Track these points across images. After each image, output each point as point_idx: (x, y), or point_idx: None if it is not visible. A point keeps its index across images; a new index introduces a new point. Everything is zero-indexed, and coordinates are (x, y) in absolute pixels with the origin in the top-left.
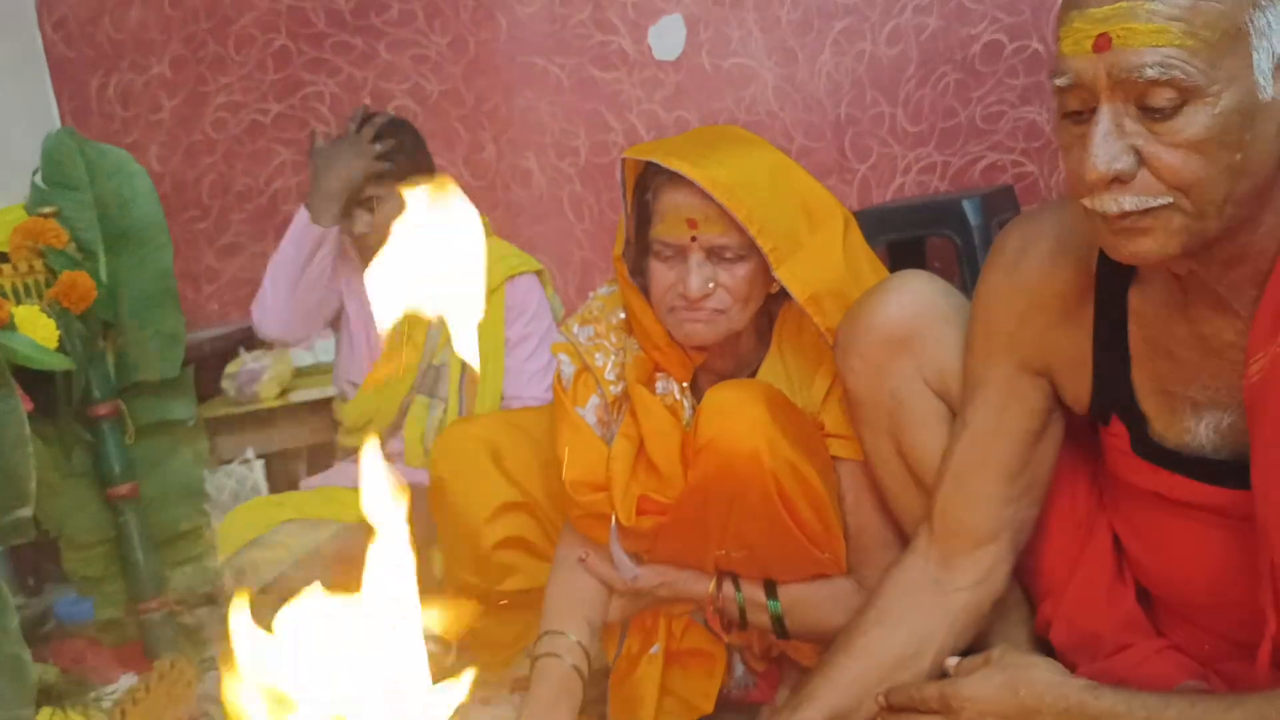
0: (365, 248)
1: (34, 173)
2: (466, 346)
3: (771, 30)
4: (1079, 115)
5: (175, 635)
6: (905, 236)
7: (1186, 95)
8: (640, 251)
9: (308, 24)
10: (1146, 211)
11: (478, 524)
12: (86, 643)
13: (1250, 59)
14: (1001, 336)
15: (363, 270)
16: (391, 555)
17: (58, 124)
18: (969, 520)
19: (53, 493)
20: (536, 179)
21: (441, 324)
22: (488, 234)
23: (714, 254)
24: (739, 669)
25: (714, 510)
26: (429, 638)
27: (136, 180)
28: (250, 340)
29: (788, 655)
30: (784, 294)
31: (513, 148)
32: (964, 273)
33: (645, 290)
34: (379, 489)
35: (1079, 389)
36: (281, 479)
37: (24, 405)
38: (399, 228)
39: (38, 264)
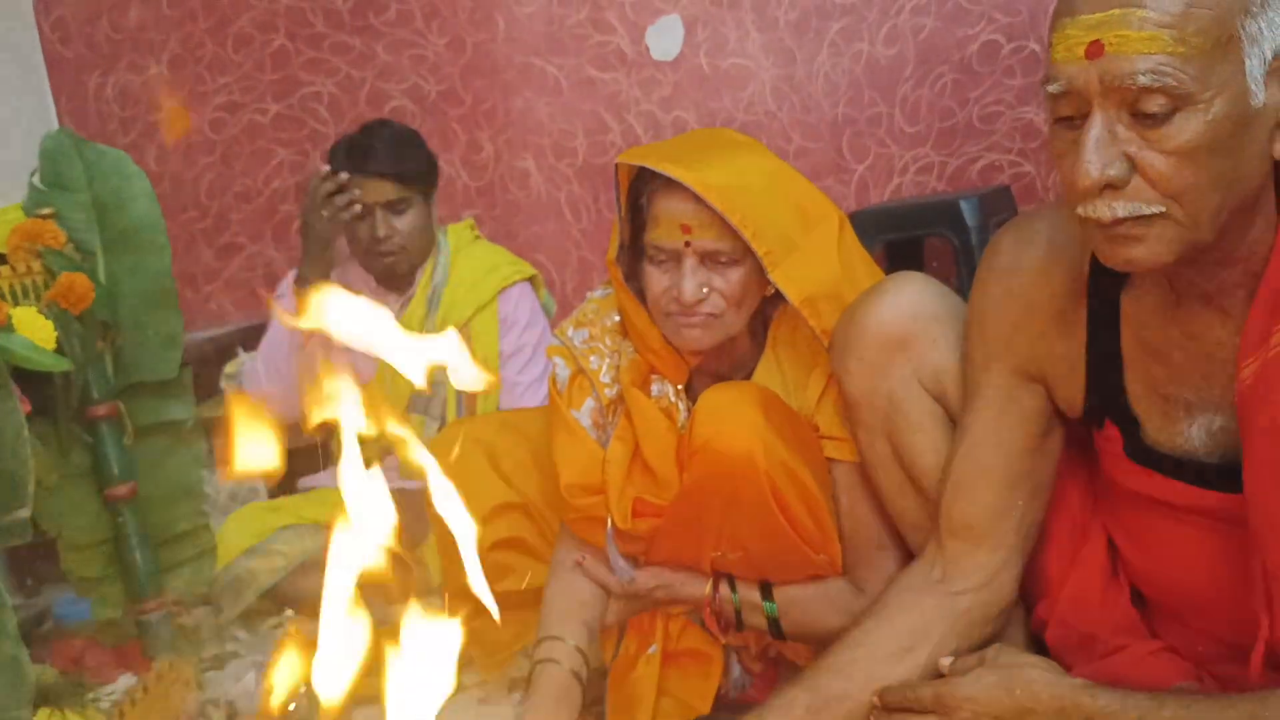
0: (375, 254)
1: (32, 174)
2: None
3: (769, 31)
4: (1071, 121)
5: (173, 636)
6: (903, 237)
7: (1178, 102)
8: (635, 255)
9: (306, 24)
10: (1140, 219)
11: (474, 524)
12: (84, 643)
13: (1242, 65)
14: (997, 343)
15: (366, 287)
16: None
17: (55, 124)
18: (973, 526)
19: (51, 493)
20: (534, 179)
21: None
22: (475, 239)
23: (708, 259)
24: (736, 669)
25: (709, 512)
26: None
27: (134, 181)
28: (249, 340)
29: (784, 656)
30: (779, 296)
31: (510, 148)
32: (961, 273)
33: (640, 294)
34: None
35: (1072, 393)
36: (280, 480)
37: (23, 406)
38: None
39: (36, 265)
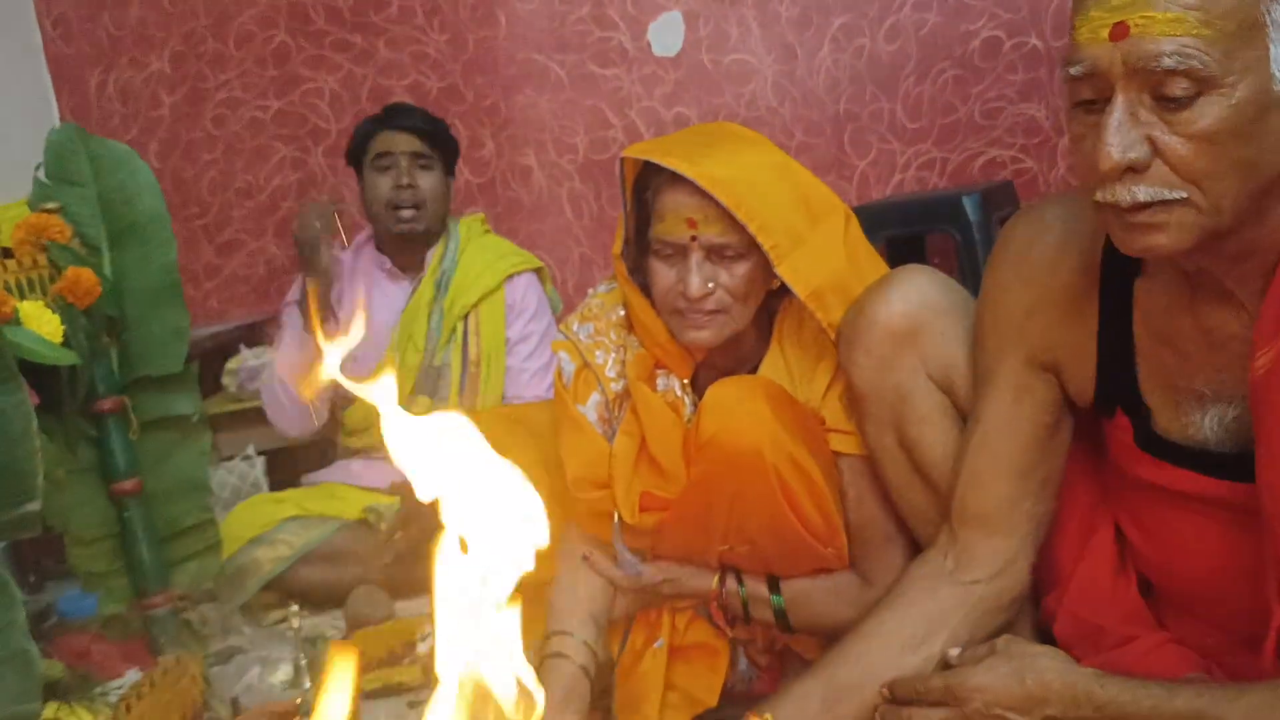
0: (394, 208)
1: (37, 168)
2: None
3: (770, 26)
4: (1092, 104)
5: (180, 631)
6: (905, 232)
7: (1202, 86)
8: (640, 250)
9: (307, 21)
10: (1160, 206)
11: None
12: (91, 638)
13: (1267, 51)
14: (1010, 331)
15: (380, 267)
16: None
17: (57, 121)
18: (986, 515)
19: (57, 488)
20: (536, 176)
21: (440, 325)
22: (485, 232)
23: (714, 253)
24: (743, 663)
25: (717, 506)
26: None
27: (140, 175)
28: (251, 336)
29: (791, 649)
30: (784, 290)
31: (512, 145)
32: (963, 268)
33: (645, 288)
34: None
35: (1083, 381)
36: (282, 475)
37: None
38: None
39: (41, 259)
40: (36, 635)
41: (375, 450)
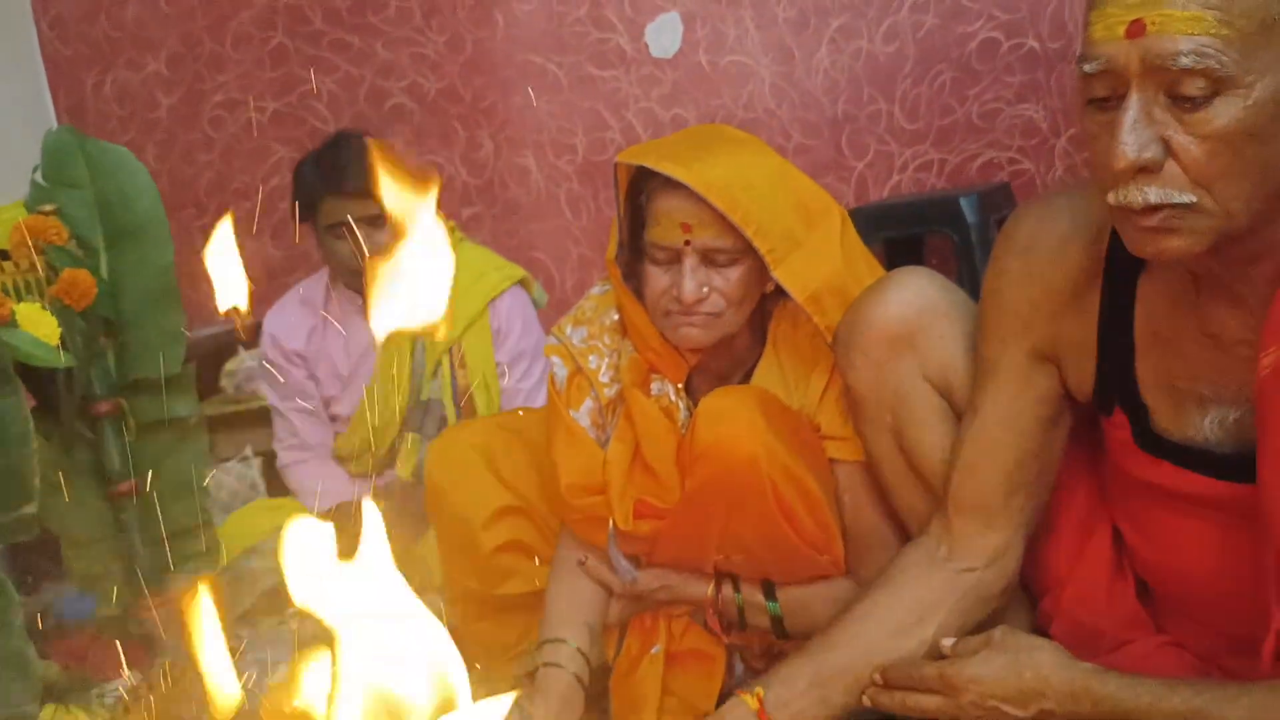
0: (357, 274)
1: (34, 170)
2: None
3: (768, 28)
4: (1105, 103)
5: (177, 633)
6: (902, 234)
7: (1219, 86)
8: (634, 254)
9: (305, 22)
10: (1173, 210)
11: (475, 529)
12: (89, 640)
13: None
14: (1014, 322)
15: (353, 304)
16: None
17: (54, 122)
18: (981, 506)
19: (54, 490)
20: (534, 177)
21: (424, 359)
22: (461, 244)
23: (708, 257)
24: (739, 669)
25: (712, 516)
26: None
27: (138, 177)
28: (249, 338)
29: (787, 654)
30: (778, 293)
31: (510, 146)
32: (961, 270)
33: (639, 292)
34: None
35: (1082, 376)
36: (279, 477)
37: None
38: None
39: (39, 261)
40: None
41: (368, 476)
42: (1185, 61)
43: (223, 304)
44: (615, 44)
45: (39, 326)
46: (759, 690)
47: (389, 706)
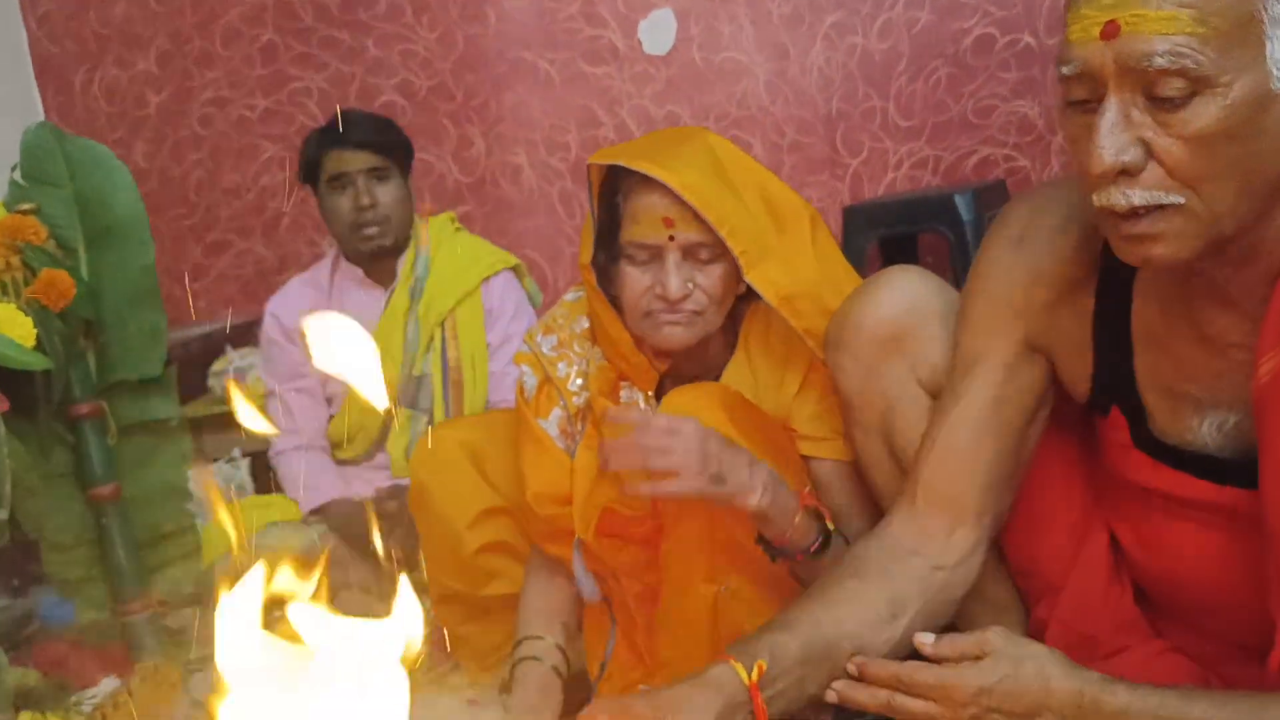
0: (358, 227)
1: (12, 168)
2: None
3: (763, 25)
4: (1085, 105)
5: (159, 638)
6: (897, 232)
7: (1197, 85)
8: (609, 258)
9: (295, 19)
10: (1159, 212)
11: (460, 529)
12: (67, 646)
13: (1263, 48)
14: (1005, 310)
15: (353, 278)
16: None
17: (42, 120)
18: (954, 496)
19: (31, 494)
20: (526, 175)
21: (418, 334)
22: (457, 231)
23: (690, 254)
24: None
25: (693, 528)
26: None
27: (117, 175)
28: (237, 337)
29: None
30: (748, 296)
31: (502, 143)
32: (956, 268)
33: (613, 298)
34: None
35: (1079, 374)
36: (268, 477)
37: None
38: None
39: (15, 261)
40: (17, 642)
41: (360, 461)
42: (1161, 62)
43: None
44: (608, 40)
45: (14, 328)
46: (761, 663)
47: None
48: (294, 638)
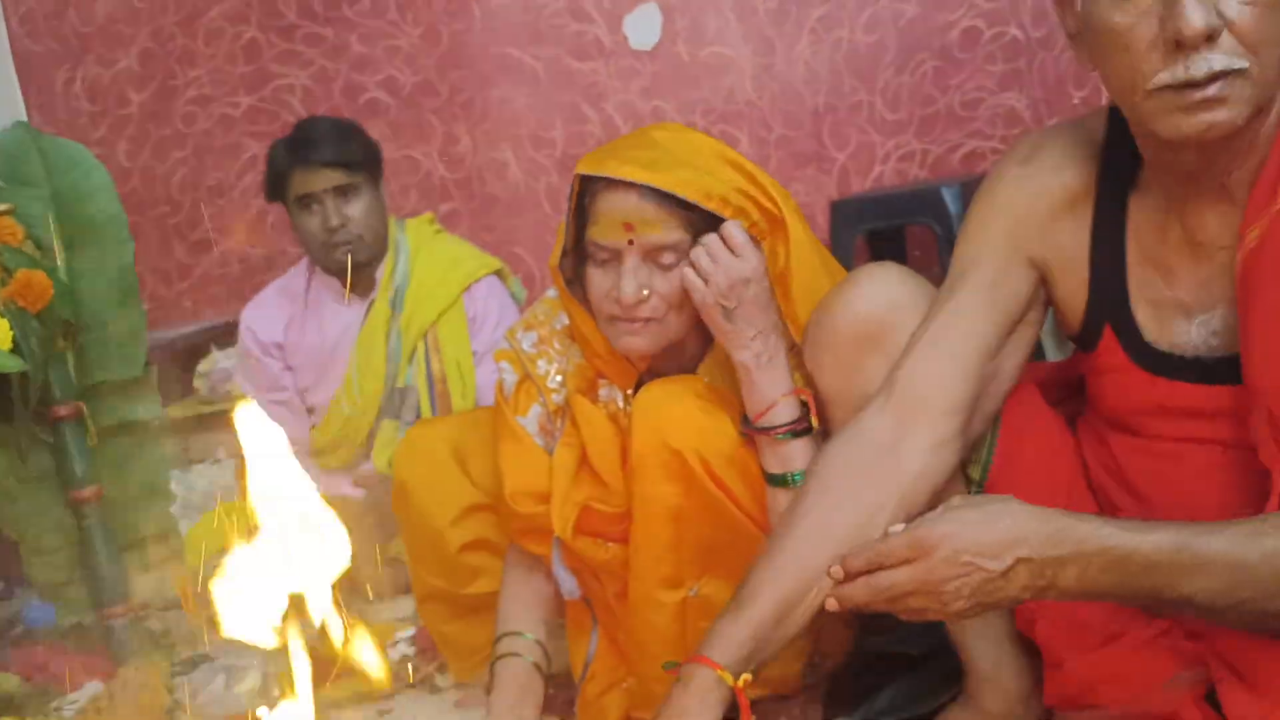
0: (329, 247)
1: None
2: None
3: (748, 19)
4: None
5: (141, 641)
6: (885, 225)
7: None
8: (579, 258)
9: (278, 16)
10: (1226, 79)
11: (443, 527)
12: (48, 650)
13: None
14: (1005, 220)
15: (330, 290)
16: None
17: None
18: (935, 385)
19: (10, 497)
20: (513, 171)
21: (400, 345)
22: (436, 233)
23: (651, 257)
24: None
25: (662, 526)
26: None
27: (94, 174)
28: (223, 337)
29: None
30: None
31: (488, 140)
32: (944, 261)
33: (585, 299)
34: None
35: (1075, 291)
36: None
37: None
38: None
39: None
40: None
41: (344, 468)
42: None
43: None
44: (593, 36)
45: None
46: (747, 677)
47: None
48: None
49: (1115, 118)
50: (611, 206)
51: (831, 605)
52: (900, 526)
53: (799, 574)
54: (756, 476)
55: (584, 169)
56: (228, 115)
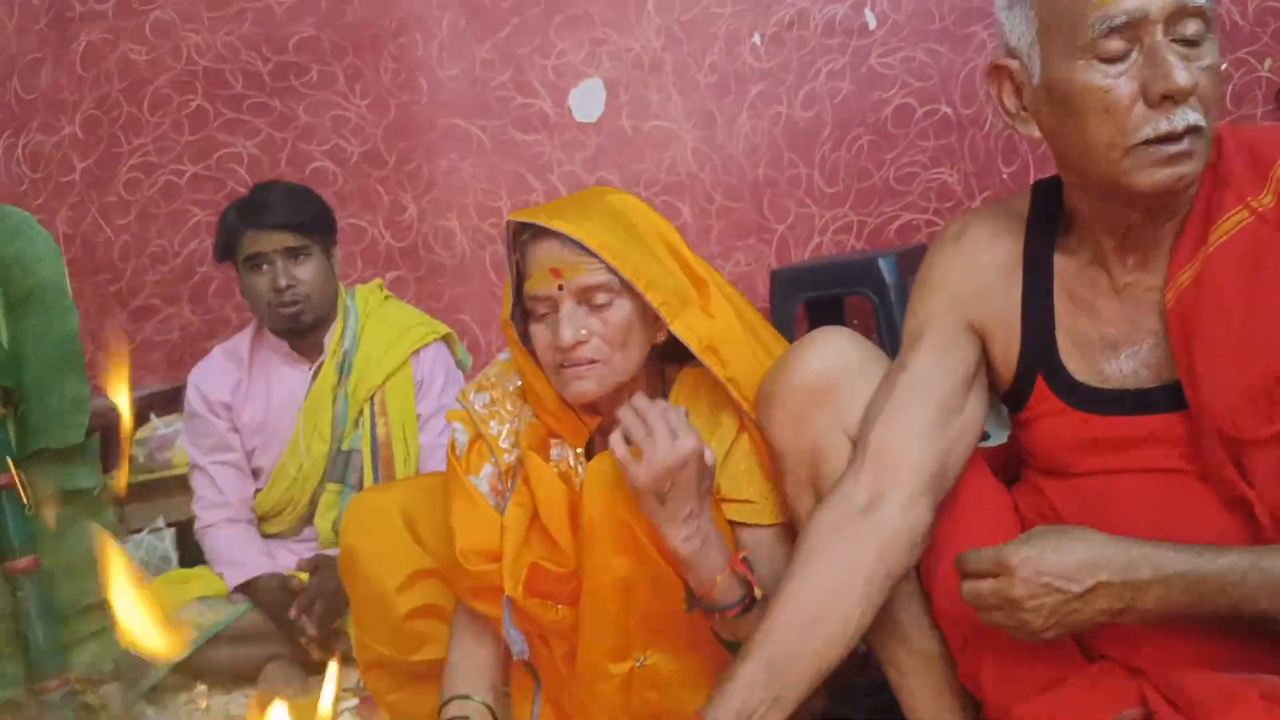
0: (277, 308)
1: None
2: None
3: (690, 94)
4: (1116, 61)
5: (76, 715)
6: (823, 295)
7: (1208, 27)
8: (525, 315)
9: (225, 85)
10: (1194, 133)
11: (389, 591)
12: None
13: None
14: (944, 293)
15: (277, 353)
16: None
17: None
18: (903, 446)
19: None
20: (459, 239)
21: (346, 409)
22: (385, 299)
23: (584, 299)
24: None
25: (612, 597)
26: None
27: (38, 242)
28: (162, 405)
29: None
30: (677, 359)
31: (435, 208)
32: (881, 329)
33: (535, 355)
34: None
35: (1008, 348)
36: (193, 548)
37: None
38: None
39: None
40: None
41: (288, 535)
42: (1199, 1)
43: None
44: (539, 108)
45: None
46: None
47: None
48: None
49: (1038, 195)
50: (539, 256)
51: (967, 598)
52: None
53: (787, 634)
54: None
55: (514, 217)
56: (172, 183)
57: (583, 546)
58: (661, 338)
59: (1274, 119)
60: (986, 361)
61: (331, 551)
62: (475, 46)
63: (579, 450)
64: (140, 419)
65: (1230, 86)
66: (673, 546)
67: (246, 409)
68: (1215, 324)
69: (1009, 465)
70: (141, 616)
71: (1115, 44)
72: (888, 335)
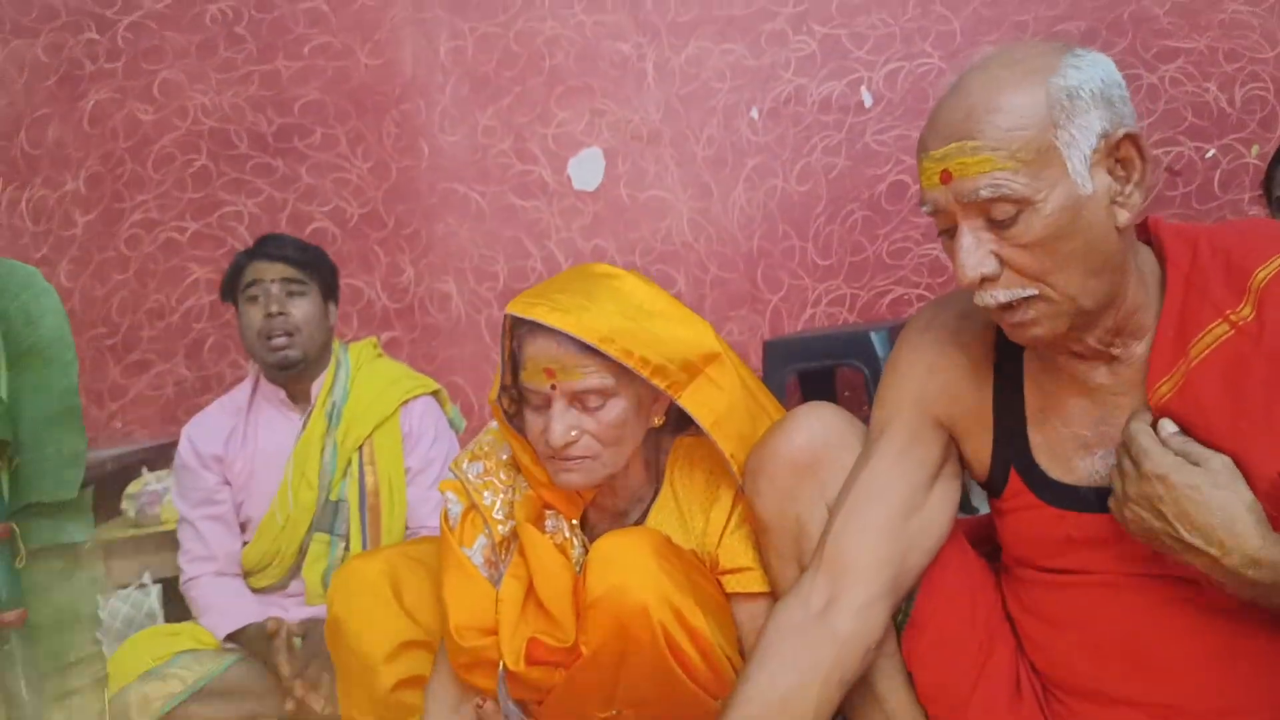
0: (265, 338)
1: None
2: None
3: (687, 165)
4: (949, 233)
5: None
6: (815, 366)
7: (1020, 205)
8: (518, 396)
9: (229, 145)
10: (1024, 303)
11: (376, 663)
12: None
13: (1065, 165)
14: (911, 386)
15: (271, 400)
16: None
17: None
18: (858, 550)
19: None
20: (455, 302)
21: (335, 458)
22: (378, 356)
23: (577, 400)
24: None
25: (606, 665)
26: None
27: (44, 298)
28: (154, 460)
29: None
30: (673, 429)
31: (432, 271)
32: (872, 401)
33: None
34: None
35: (980, 447)
36: (179, 604)
37: None
38: None
39: None
40: None
41: (275, 589)
42: (985, 193)
43: None
44: (538, 175)
45: None
46: None
47: None
48: None
49: None
50: (535, 352)
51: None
52: (1172, 426)
53: None
54: (702, 638)
55: (512, 309)
56: (173, 240)
57: (583, 624)
58: (659, 421)
59: (1260, 204)
60: (961, 453)
61: (320, 611)
62: (477, 114)
63: (574, 522)
64: (131, 473)
65: (1218, 172)
66: None
67: (238, 458)
68: (1201, 439)
69: (993, 537)
70: None
71: (941, 223)
72: None
